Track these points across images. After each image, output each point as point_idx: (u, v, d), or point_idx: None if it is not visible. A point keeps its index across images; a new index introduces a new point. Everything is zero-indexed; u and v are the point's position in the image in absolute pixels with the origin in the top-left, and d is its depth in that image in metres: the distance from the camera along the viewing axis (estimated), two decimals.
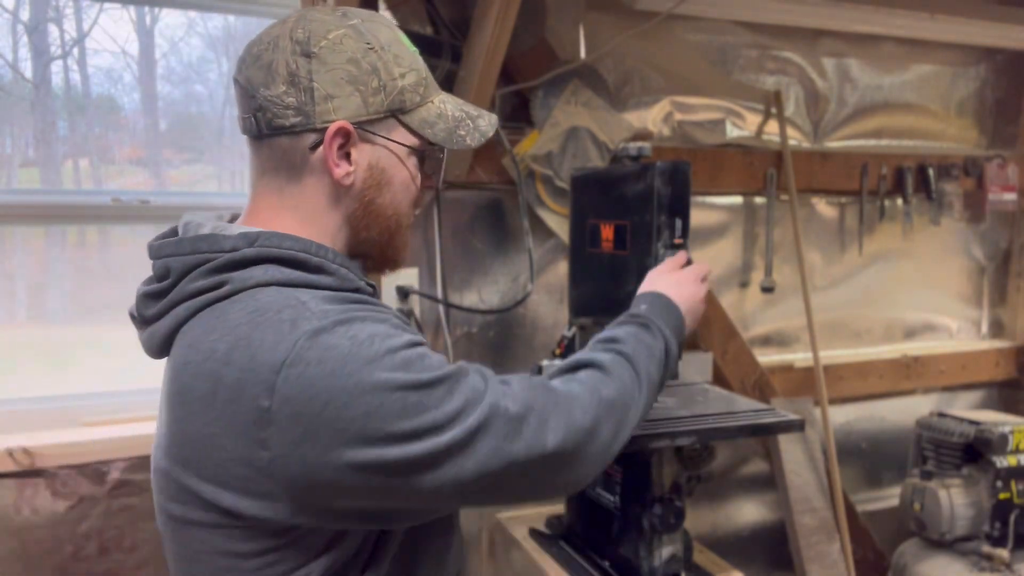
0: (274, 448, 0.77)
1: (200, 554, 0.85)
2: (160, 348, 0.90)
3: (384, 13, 1.89)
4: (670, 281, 1.27)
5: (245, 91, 0.92)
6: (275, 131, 0.90)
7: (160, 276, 0.91)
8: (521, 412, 0.87)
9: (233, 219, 0.99)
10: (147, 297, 0.92)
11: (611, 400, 0.98)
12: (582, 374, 1.02)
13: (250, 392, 0.78)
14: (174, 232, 0.97)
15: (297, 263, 0.87)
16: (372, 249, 0.99)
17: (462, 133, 0.99)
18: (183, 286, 0.87)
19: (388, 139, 0.94)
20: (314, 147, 0.90)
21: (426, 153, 0.98)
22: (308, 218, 0.93)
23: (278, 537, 0.82)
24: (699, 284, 1.28)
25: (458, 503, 0.91)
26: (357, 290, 0.92)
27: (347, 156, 0.91)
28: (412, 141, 0.96)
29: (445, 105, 0.99)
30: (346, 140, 0.90)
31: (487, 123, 1.03)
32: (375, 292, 0.98)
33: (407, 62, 0.94)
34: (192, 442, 0.82)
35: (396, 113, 0.94)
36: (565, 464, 0.91)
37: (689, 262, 1.37)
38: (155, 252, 0.92)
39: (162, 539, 0.94)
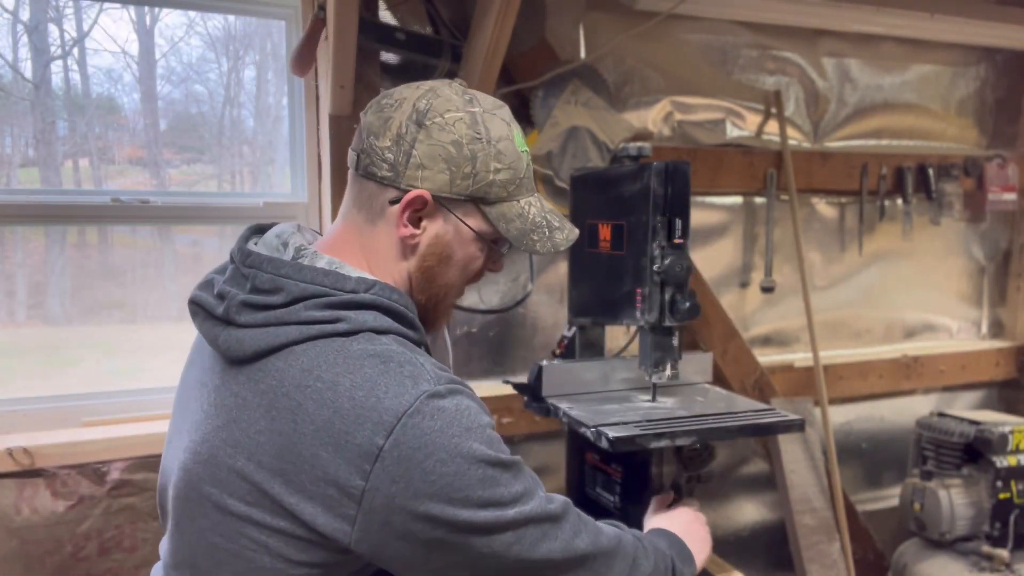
0: (371, 480, 0.87)
1: (246, 550, 0.92)
2: (252, 355, 0.94)
3: (384, 13, 1.89)
4: (674, 524, 1.33)
5: (360, 131, 1.03)
6: (368, 175, 1.00)
7: (266, 289, 0.95)
8: (560, 515, 0.99)
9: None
10: (247, 305, 0.96)
11: (627, 547, 1.09)
12: (603, 522, 1.12)
13: (368, 428, 0.87)
14: (256, 231, 1.05)
15: (398, 315, 0.98)
16: (427, 304, 1.07)
17: (534, 238, 1.05)
18: (298, 311, 0.94)
19: (461, 219, 1.02)
20: (393, 202, 0.99)
21: (493, 243, 1.06)
22: (376, 263, 1.03)
23: (332, 555, 0.91)
24: (700, 522, 1.35)
25: None
26: (423, 343, 1.03)
27: (418, 221, 1.01)
28: (484, 229, 1.03)
29: (530, 207, 1.06)
30: (422, 207, 0.99)
31: (563, 237, 1.09)
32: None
33: (508, 160, 1.02)
34: (294, 456, 0.89)
35: (478, 201, 1.01)
36: (587, 572, 1.02)
37: (676, 499, 1.45)
38: (253, 260, 0.98)
39: (183, 526, 0.98)
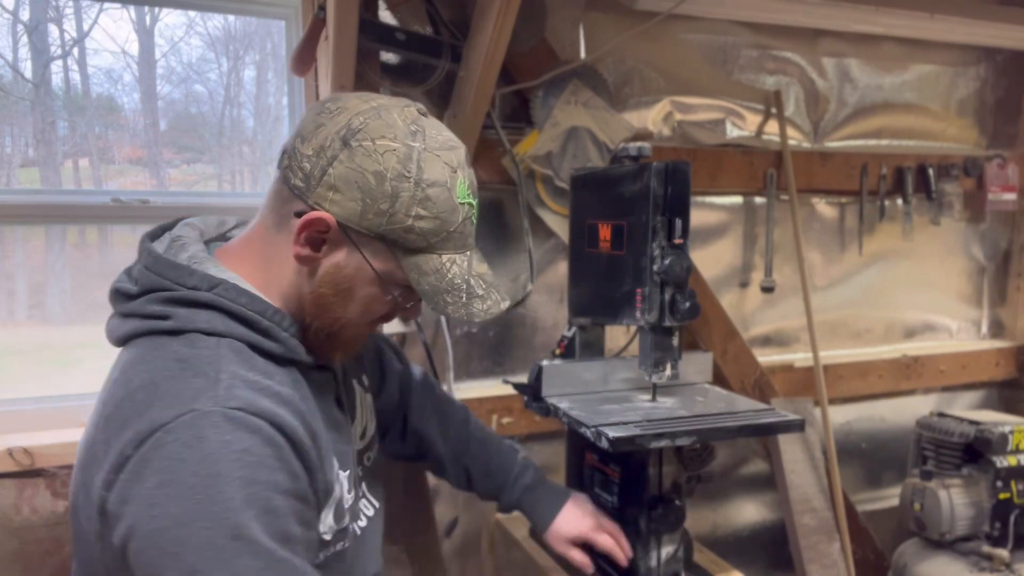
0: (113, 493, 0.81)
1: (80, 553, 0.92)
2: (115, 344, 0.96)
3: (384, 13, 1.89)
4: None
5: (296, 128, 0.95)
6: (284, 178, 0.94)
7: (134, 279, 0.95)
8: None
9: (222, 235, 1.05)
10: (119, 293, 0.95)
11: None
12: None
13: (129, 434, 0.82)
14: (167, 228, 1.02)
15: (245, 320, 0.91)
16: (320, 331, 0.98)
17: (447, 300, 0.95)
18: (142, 304, 0.91)
19: (365, 257, 0.93)
20: (297, 215, 0.91)
21: (406, 289, 0.97)
22: (271, 271, 0.96)
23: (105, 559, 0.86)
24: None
25: None
26: (295, 362, 0.95)
27: (319, 244, 0.92)
28: (392, 274, 0.94)
29: (452, 265, 0.95)
30: (325, 231, 0.91)
31: (481, 308, 0.97)
32: (332, 369, 1.05)
33: (436, 209, 0.91)
34: (90, 451, 0.88)
35: (391, 243, 0.92)
36: None
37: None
38: (140, 249, 0.97)
39: None
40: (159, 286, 0.91)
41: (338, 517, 1.00)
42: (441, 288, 0.94)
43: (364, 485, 1.18)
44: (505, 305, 1.00)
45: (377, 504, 1.21)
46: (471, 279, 0.97)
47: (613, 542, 1.41)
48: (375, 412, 1.28)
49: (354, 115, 0.91)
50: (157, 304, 0.90)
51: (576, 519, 1.43)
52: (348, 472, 1.06)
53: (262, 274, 0.96)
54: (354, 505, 1.08)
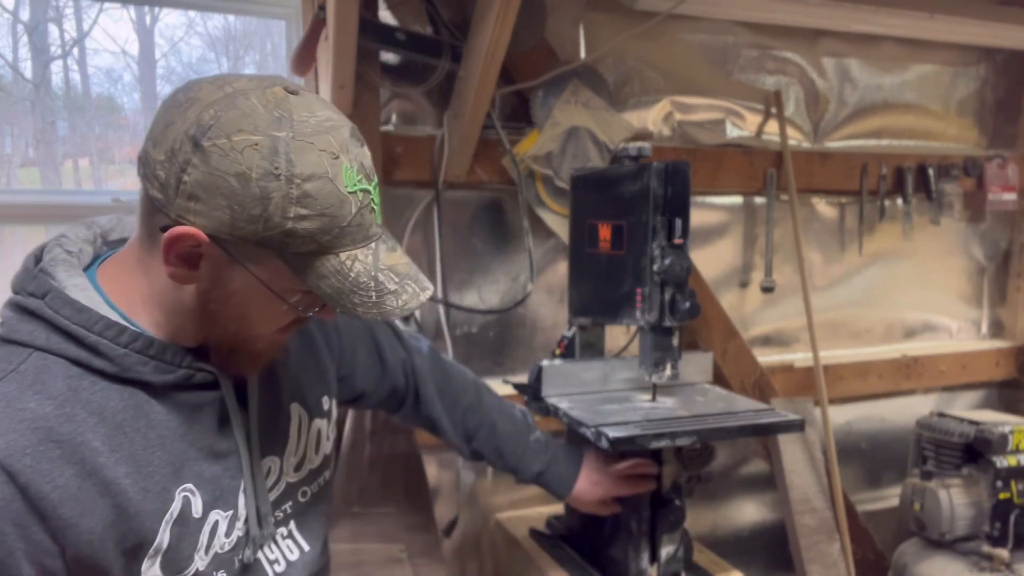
0: None
1: None
2: None
3: (384, 13, 1.89)
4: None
5: (150, 126, 0.83)
6: (144, 188, 0.82)
7: None
8: None
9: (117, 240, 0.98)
10: None
11: None
12: None
13: None
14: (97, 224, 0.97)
15: (70, 335, 0.81)
16: (220, 345, 0.90)
17: (356, 301, 0.83)
18: (3, 306, 0.87)
19: (248, 269, 0.82)
20: (163, 229, 0.79)
21: (303, 297, 0.86)
22: (153, 287, 0.86)
23: None
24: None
25: None
26: (143, 383, 0.85)
27: (196, 259, 0.81)
28: (284, 282, 0.83)
29: (354, 263, 0.83)
30: (197, 246, 0.80)
31: (396, 305, 0.86)
32: (217, 382, 0.91)
33: (320, 205, 0.79)
34: None
35: (274, 250, 0.80)
36: None
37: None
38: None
39: None
40: (15, 287, 0.86)
41: (172, 568, 0.89)
42: (345, 289, 0.83)
43: (294, 524, 1.06)
44: (425, 296, 0.89)
45: (307, 547, 1.07)
46: (379, 274, 0.85)
47: (635, 487, 1.48)
48: (327, 437, 1.14)
49: (204, 108, 0.77)
50: (7, 308, 0.85)
51: (592, 487, 1.49)
52: (232, 512, 0.95)
53: (140, 288, 0.86)
54: (234, 552, 0.96)
